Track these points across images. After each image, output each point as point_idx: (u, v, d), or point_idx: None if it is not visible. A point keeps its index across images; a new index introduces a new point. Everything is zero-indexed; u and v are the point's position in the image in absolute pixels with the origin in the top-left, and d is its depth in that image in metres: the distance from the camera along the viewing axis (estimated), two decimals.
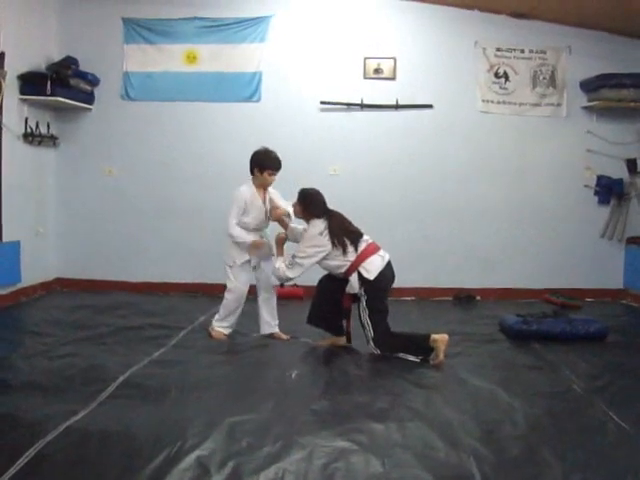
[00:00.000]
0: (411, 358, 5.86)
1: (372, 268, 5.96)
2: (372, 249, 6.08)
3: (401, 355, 5.91)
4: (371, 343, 5.94)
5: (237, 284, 6.59)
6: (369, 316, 5.92)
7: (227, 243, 6.58)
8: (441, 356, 5.76)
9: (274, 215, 6.50)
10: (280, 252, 6.29)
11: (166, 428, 4.06)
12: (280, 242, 6.36)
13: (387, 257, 6.12)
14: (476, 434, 4.08)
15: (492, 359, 6.04)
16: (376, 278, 5.94)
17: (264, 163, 6.42)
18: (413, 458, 3.71)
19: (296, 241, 6.46)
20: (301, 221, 6.44)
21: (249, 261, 6.57)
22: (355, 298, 6.10)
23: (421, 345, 5.86)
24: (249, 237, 6.46)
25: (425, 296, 9.03)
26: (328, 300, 6.21)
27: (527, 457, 3.78)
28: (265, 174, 6.42)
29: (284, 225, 6.58)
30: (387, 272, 6.06)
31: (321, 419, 4.34)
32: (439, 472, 3.56)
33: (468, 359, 5.98)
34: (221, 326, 6.69)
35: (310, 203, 6.22)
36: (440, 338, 5.79)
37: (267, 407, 4.52)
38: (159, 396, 4.72)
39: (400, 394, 4.90)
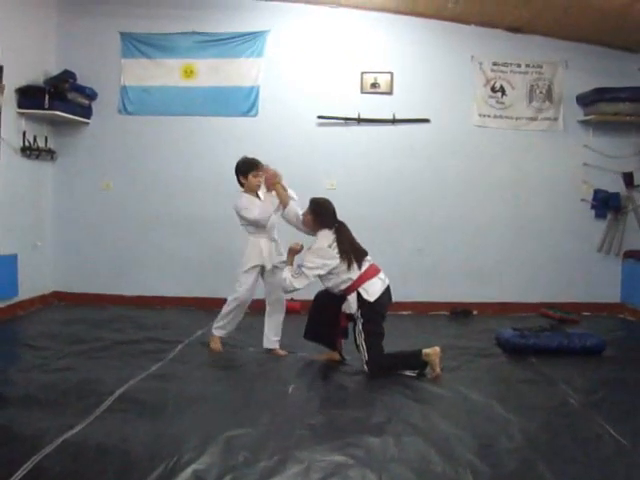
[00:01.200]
0: (407, 372, 5.86)
1: (372, 290, 5.93)
2: (373, 271, 6.05)
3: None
4: (365, 367, 5.90)
5: (243, 288, 6.62)
6: (364, 339, 5.86)
7: (243, 251, 6.67)
8: (437, 370, 5.77)
9: (270, 179, 6.47)
10: (291, 262, 6.22)
11: (163, 442, 4.06)
12: (292, 252, 6.25)
13: (387, 281, 6.09)
14: (473, 448, 4.08)
15: (489, 373, 6.04)
16: (375, 301, 5.91)
17: (244, 168, 6.64)
18: (410, 472, 3.71)
19: (290, 222, 6.53)
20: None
21: (257, 267, 6.63)
22: (351, 317, 6.08)
23: (414, 362, 5.87)
24: (271, 197, 6.47)
25: (421, 311, 9.01)
26: (324, 315, 6.20)
27: (523, 471, 3.78)
28: (250, 177, 6.61)
29: (281, 197, 6.45)
30: (385, 296, 6.03)
31: (318, 433, 4.34)
32: None
33: (465, 373, 5.98)
34: (218, 327, 6.73)
35: (321, 213, 6.19)
36: (432, 352, 5.80)
37: (264, 421, 4.52)
38: (156, 410, 4.72)
39: (397, 408, 4.90)
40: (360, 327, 5.89)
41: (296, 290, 6.10)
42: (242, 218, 6.57)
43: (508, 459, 3.93)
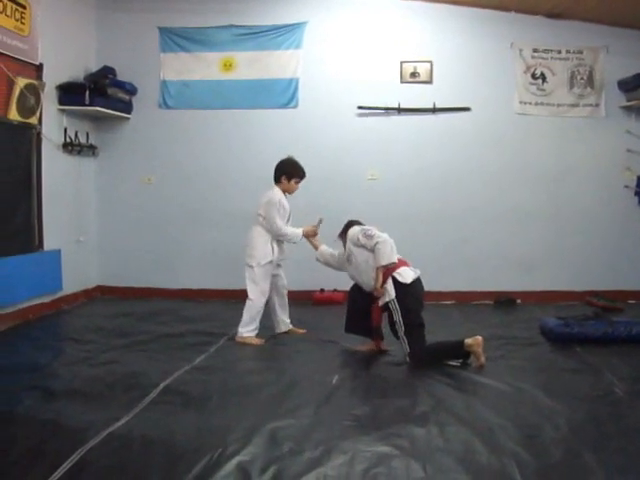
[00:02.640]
0: (451, 362, 5.83)
1: (406, 275, 5.92)
2: (403, 262, 6.07)
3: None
4: (407, 358, 5.87)
5: (262, 285, 6.73)
6: (405, 332, 5.83)
7: (250, 245, 6.79)
8: (482, 359, 5.72)
9: (309, 232, 6.81)
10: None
11: (207, 434, 4.09)
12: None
13: (418, 272, 6.08)
14: (517, 438, 4.05)
15: (533, 362, 5.98)
16: (411, 284, 5.89)
17: (293, 172, 6.78)
18: (454, 463, 3.69)
19: (327, 263, 6.76)
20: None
21: (271, 262, 6.73)
22: (386, 309, 6.00)
23: (457, 352, 5.83)
24: (299, 230, 6.77)
25: (465, 300, 8.94)
26: (361, 307, 6.20)
27: (569, 461, 3.74)
28: (292, 182, 6.78)
29: (314, 243, 6.86)
30: (419, 284, 6.04)
31: (362, 424, 4.34)
32: (481, 477, 3.54)
33: (509, 362, 5.93)
34: (248, 331, 6.74)
35: (350, 223, 6.38)
36: (474, 341, 5.75)
37: (308, 412, 4.53)
38: (200, 402, 4.76)
39: (440, 398, 4.88)
40: (400, 321, 5.86)
41: (385, 240, 5.95)
42: (267, 211, 6.67)
43: (553, 449, 3.89)
